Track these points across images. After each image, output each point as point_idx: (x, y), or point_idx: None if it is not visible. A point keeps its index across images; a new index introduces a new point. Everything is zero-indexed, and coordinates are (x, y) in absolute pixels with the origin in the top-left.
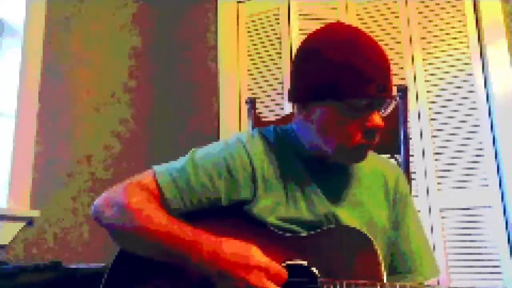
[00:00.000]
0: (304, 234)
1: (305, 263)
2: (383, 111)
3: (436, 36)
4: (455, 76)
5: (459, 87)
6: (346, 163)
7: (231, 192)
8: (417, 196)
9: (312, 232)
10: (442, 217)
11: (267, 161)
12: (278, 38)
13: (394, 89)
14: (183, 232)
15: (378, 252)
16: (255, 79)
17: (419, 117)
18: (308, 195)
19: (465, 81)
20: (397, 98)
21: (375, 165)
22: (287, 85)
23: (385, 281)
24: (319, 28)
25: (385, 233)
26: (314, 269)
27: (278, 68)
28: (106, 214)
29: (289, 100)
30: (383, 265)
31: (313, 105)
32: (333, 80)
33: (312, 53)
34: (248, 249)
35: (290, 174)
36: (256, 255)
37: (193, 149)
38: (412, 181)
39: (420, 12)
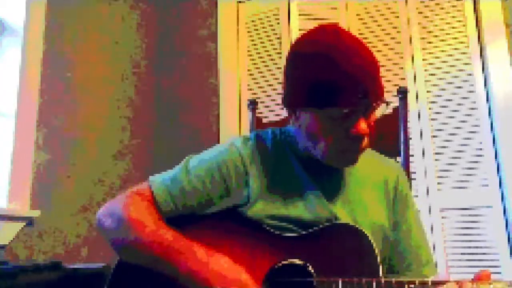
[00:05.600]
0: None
1: (300, 262)
2: (370, 114)
3: (436, 36)
4: (455, 76)
5: (459, 87)
6: (337, 167)
7: (224, 197)
8: (417, 196)
9: (308, 231)
10: (442, 217)
11: (263, 164)
12: (278, 38)
13: (394, 89)
14: (175, 245)
15: (375, 247)
16: (255, 79)
17: (419, 117)
18: (307, 196)
19: (465, 81)
20: (396, 99)
21: (375, 165)
22: None
23: (382, 277)
24: (303, 34)
25: (384, 232)
26: (310, 268)
27: (278, 68)
28: (106, 224)
29: (282, 104)
30: (380, 261)
31: (299, 111)
32: (311, 89)
33: (292, 61)
34: (237, 270)
35: (288, 175)
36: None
37: (188, 156)
38: (412, 181)
39: (420, 12)
